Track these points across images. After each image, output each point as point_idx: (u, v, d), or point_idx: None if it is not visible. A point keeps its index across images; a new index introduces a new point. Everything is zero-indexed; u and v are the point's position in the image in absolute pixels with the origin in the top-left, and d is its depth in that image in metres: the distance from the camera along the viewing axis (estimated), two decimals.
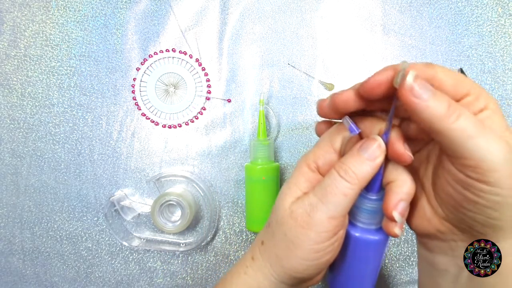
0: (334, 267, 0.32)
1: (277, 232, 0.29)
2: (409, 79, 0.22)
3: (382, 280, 0.49)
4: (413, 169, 0.28)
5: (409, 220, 0.29)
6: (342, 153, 0.29)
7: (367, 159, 0.26)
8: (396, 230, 0.27)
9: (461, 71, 0.47)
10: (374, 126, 0.27)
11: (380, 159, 0.26)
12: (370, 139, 0.26)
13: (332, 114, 0.28)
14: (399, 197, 0.26)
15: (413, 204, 0.28)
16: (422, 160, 0.28)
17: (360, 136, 0.28)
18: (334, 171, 0.27)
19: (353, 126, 0.27)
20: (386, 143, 0.26)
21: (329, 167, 0.28)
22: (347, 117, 0.27)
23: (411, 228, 0.29)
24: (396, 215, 0.26)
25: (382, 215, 0.29)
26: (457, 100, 0.24)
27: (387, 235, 0.29)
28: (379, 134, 0.27)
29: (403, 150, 0.25)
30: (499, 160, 0.22)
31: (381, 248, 0.30)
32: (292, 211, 0.28)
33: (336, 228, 0.28)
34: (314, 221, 0.27)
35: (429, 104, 0.22)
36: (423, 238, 0.29)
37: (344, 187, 0.26)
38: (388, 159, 0.27)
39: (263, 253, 0.31)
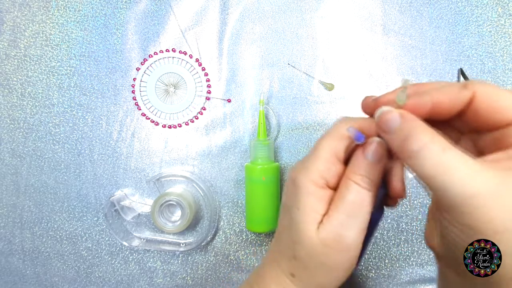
0: None
1: (311, 263, 0.28)
2: (377, 115, 0.24)
3: (382, 280, 0.49)
4: None
5: (427, 240, 0.29)
6: (346, 162, 0.28)
7: (375, 162, 0.26)
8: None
9: (461, 71, 0.47)
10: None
11: (384, 157, 0.27)
12: (370, 143, 0.27)
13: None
14: (401, 180, 0.28)
15: (431, 225, 0.28)
16: None
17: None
18: (352, 183, 0.27)
19: (359, 135, 0.27)
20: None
21: (338, 179, 0.28)
22: (351, 128, 0.27)
23: (430, 248, 0.29)
24: (406, 193, 0.29)
25: (381, 196, 0.30)
26: (501, 127, 0.23)
27: (382, 212, 0.30)
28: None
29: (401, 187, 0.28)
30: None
31: (377, 223, 0.31)
32: (322, 239, 0.27)
33: (364, 235, 0.28)
34: (349, 241, 0.27)
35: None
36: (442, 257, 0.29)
37: (366, 196, 0.26)
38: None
39: (299, 284, 0.29)
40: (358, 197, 0.26)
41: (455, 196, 0.20)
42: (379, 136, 0.27)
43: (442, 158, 0.21)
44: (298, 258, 0.29)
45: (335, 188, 0.28)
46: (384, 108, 0.24)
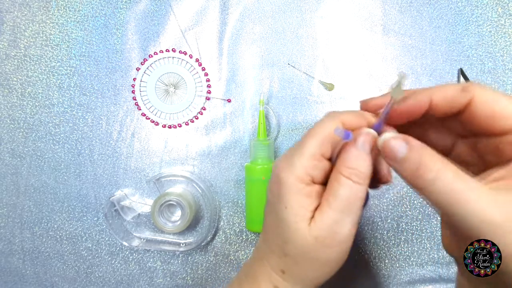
0: None
1: (303, 260, 0.28)
2: (380, 142, 0.24)
3: (382, 280, 0.49)
4: None
5: (444, 244, 0.28)
6: (333, 157, 0.28)
7: (366, 153, 0.26)
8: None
9: (461, 71, 0.47)
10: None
11: (374, 148, 0.27)
12: (362, 134, 0.26)
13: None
14: (388, 167, 0.29)
15: (448, 228, 0.27)
16: None
17: None
18: (344, 178, 0.26)
19: (346, 133, 0.26)
20: (379, 133, 0.26)
21: (324, 174, 0.28)
22: (338, 129, 0.26)
23: (447, 252, 0.28)
24: (391, 179, 0.29)
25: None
26: (498, 134, 0.23)
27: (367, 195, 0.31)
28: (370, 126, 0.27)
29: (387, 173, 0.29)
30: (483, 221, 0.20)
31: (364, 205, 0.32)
32: (315, 236, 0.27)
33: (355, 230, 0.27)
34: (343, 237, 0.27)
35: (401, 164, 0.23)
36: (460, 264, 0.28)
37: (359, 191, 0.26)
38: None
39: (289, 280, 0.29)
40: (352, 192, 0.26)
41: (472, 223, 0.21)
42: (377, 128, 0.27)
43: (456, 186, 0.21)
44: (289, 256, 0.28)
45: (321, 183, 0.28)
46: (387, 135, 0.23)
